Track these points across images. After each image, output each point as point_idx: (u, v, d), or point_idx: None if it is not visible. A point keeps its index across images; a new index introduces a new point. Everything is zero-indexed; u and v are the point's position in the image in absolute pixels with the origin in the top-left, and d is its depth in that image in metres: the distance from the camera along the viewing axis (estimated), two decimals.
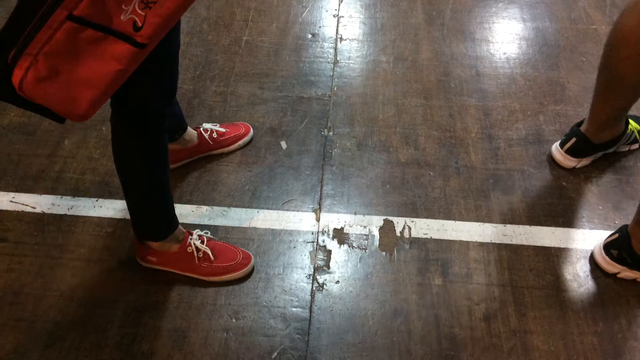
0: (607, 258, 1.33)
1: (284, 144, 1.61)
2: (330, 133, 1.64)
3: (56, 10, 0.73)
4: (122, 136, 1.10)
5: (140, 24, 0.77)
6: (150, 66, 0.87)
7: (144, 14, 0.77)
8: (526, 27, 1.98)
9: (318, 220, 1.44)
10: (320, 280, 1.32)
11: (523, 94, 1.75)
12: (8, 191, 1.47)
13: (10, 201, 1.45)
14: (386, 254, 1.37)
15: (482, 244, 1.39)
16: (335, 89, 1.77)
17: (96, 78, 0.79)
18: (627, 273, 1.32)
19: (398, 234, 1.41)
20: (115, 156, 1.14)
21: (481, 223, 1.43)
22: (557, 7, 2.04)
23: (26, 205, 1.44)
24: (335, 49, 1.90)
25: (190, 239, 1.29)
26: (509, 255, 1.36)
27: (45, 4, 0.73)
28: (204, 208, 1.45)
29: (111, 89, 0.82)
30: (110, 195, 1.47)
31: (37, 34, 0.74)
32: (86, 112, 0.82)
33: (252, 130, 1.62)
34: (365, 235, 1.40)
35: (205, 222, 1.42)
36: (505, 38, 1.94)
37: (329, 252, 1.37)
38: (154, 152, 1.13)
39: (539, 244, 1.39)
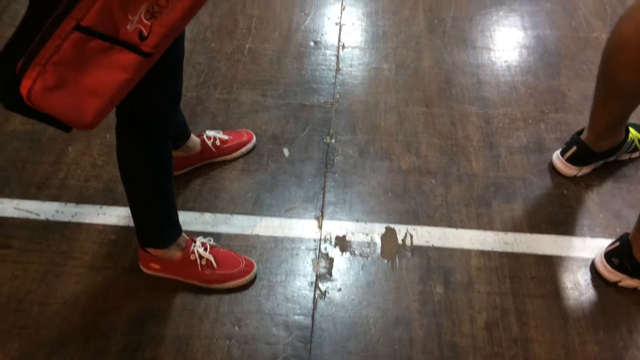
0: (608, 266, 1.33)
1: (286, 152, 1.62)
2: (333, 140, 1.65)
3: (64, 21, 0.74)
4: (127, 144, 1.11)
5: (146, 34, 0.78)
6: (155, 74, 0.88)
7: (149, 23, 0.77)
8: (527, 35, 1.99)
9: (320, 227, 1.44)
10: (323, 288, 1.33)
11: (524, 102, 1.76)
12: (12, 198, 1.48)
13: (15, 208, 1.46)
14: (388, 261, 1.37)
15: (483, 252, 1.39)
16: (337, 96, 1.78)
17: (103, 87, 0.80)
18: (628, 281, 1.32)
19: (400, 241, 1.41)
20: (120, 164, 1.15)
21: (482, 231, 1.44)
22: (557, 15, 2.06)
23: (30, 212, 1.45)
24: (338, 56, 1.91)
25: (194, 246, 1.30)
26: (510, 264, 1.37)
27: (53, 14, 0.74)
28: (207, 215, 1.46)
29: (117, 98, 0.82)
30: (113, 202, 1.48)
31: (45, 44, 0.75)
32: (92, 121, 0.82)
33: (254, 137, 1.63)
34: (367, 243, 1.41)
35: (209, 229, 1.43)
36: (506, 46, 1.95)
37: (331, 259, 1.38)
38: (158, 159, 1.14)
39: (540, 252, 1.40)
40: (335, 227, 1.45)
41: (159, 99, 1.04)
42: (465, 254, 1.39)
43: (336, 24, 2.03)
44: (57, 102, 0.79)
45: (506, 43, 1.96)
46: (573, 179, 1.55)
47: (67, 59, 0.76)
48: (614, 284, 1.33)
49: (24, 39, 0.76)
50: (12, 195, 1.49)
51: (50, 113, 0.80)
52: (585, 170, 1.54)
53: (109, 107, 0.83)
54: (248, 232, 1.43)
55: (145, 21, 0.77)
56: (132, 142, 1.10)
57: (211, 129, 1.63)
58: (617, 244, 1.33)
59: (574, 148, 1.51)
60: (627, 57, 1.27)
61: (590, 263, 1.38)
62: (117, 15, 0.76)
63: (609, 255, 1.34)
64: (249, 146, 1.61)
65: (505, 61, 1.89)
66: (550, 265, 1.37)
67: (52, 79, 0.77)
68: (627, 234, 1.33)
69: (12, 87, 0.77)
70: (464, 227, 1.45)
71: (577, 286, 1.34)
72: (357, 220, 1.46)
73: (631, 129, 1.55)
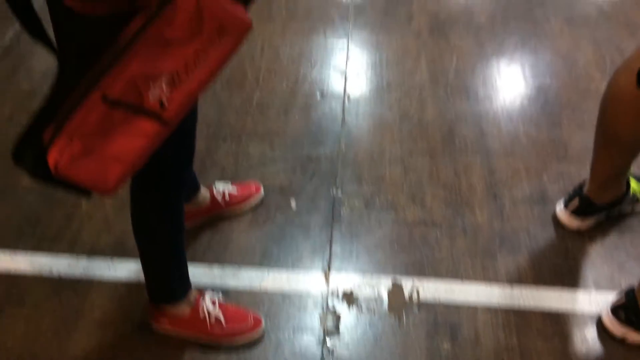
0: (614, 321, 1.34)
1: (293, 203, 1.65)
2: (339, 192, 1.68)
3: (91, 93, 0.76)
4: (141, 202, 1.14)
5: (166, 102, 0.81)
6: (170, 139, 0.91)
7: (169, 92, 0.81)
8: (528, 86, 2.04)
9: (327, 281, 1.46)
10: (330, 345, 1.34)
11: (526, 153, 1.79)
12: (26, 251, 1.52)
13: (29, 263, 1.49)
14: (395, 317, 1.38)
15: (489, 307, 1.40)
16: (343, 147, 1.82)
17: (125, 154, 0.82)
18: (634, 336, 1.32)
19: (407, 296, 1.43)
20: (133, 220, 1.18)
21: (488, 284, 1.45)
22: (558, 66, 2.11)
23: (43, 266, 1.48)
24: (343, 107, 1.96)
25: (202, 301, 1.32)
26: (517, 319, 1.38)
27: (78, 86, 0.76)
28: (215, 268, 1.49)
29: (138, 164, 0.85)
30: (125, 254, 1.50)
31: (72, 116, 0.77)
32: (115, 187, 0.84)
33: (262, 189, 1.66)
34: (374, 297, 1.43)
35: (217, 282, 1.45)
36: (508, 96, 2.00)
37: (338, 315, 1.39)
38: (171, 216, 1.17)
39: (546, 306, 1.40)
40: (342, 280, 1.47)
41: (173, 159, 1.08)
42: (471, 308, 1.40)
43: (341, 74, 2.09)
44: (83, 170, 0.81)
45: (508, 93, 2.01)
46: (577, 230, 1.57)
47: (94, 130, 0.78)
48: (621, 339, 1.33)
49: (50, 110, 0.79)
50: (25, 248, 1.52)
51: (75, 181, 0.82)
52: (589, 222, 1.56)
53: (131, 172, 0.85)
54: (256, 285, 1.45)
55: (165, 90, 0.80)
56: (147, 201, 1.13)
57: (220, 180, 1.67)
58: (623, 297, 1.34)
59: (577, 200, 1.53)
60: (624, 107, 1.29)
61: (596, 317, 1.38)
62: (140, 85, 0.78)
63: (615, 309, 1.34)
64: (256, 198, 1.64)
65: (507, 112, 1.94)
66: (557, 320, 1.38)
67: (78, 149, 0.78)
68: (632, 290, 1.33)
69: (39, 159, 0.81)
70: (469, 279, 1.46)
71: (584, 341, 1.34)
72: (364, 273, 1.48)
73: (632, 181, 1.57)
